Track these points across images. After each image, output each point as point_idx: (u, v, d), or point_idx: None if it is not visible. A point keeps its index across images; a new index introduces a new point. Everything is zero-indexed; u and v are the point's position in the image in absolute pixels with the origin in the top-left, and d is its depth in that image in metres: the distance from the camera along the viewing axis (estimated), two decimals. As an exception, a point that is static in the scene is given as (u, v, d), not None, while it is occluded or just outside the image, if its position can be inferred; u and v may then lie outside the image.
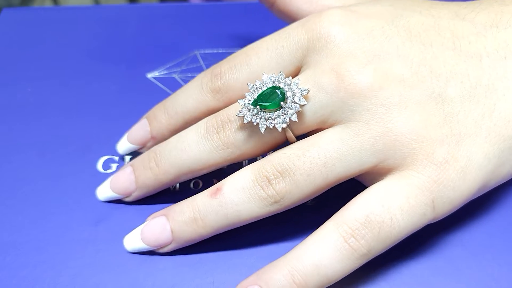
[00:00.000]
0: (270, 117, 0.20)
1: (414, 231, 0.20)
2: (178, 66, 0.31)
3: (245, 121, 0.20)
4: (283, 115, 0.20)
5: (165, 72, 0.31)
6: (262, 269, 0.20)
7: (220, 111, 0.22)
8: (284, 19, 0.27)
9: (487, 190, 0.21)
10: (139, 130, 0.25)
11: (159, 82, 0.30)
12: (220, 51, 0.32)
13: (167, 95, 0.29)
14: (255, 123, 0.20)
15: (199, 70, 0.31)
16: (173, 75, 0.31)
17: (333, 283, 0.19)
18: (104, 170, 0.26)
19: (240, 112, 0.20)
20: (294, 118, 0.20)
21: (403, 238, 0.20)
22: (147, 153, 0.23)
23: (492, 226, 0.23)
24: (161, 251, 0.22)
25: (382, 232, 0.19)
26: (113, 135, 0.26)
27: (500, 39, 0.21)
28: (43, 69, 0.31)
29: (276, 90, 0.20)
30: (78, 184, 0.25)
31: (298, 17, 0.26)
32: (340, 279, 0.19)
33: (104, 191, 0.24)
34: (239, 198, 0.20)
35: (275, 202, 0.20)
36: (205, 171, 0.22)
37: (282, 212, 0.21)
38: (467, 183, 0.20)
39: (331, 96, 0.20)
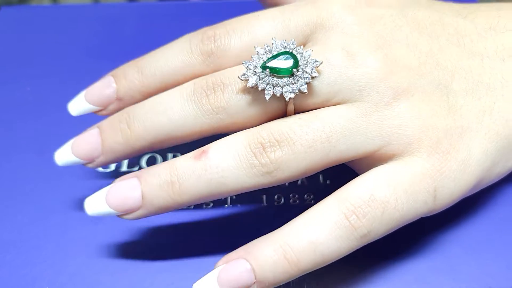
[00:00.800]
0: (278, 83, 0.18)
1: (413, 220, 0.19)
2: (177, 65, 0.31)
3: (250, 85, 0.18)
4: (292, 84, 0.18)
5: (164, 70, 0.31)
6: (252, 242, 0.19)
7: (213, 73, 0.20)
8: None
9: (479, 189, 0.22)
10: (102, 88, 0.22)
11: (158, 80, 0.30)
12: (219, 50, 0.32)
13: (166, 93, 0.29)
14: (260, 88, 0.18)
15: (198, 68, 0.31)
16: (172, 74, 0.31)
17: (327, 263, 0.18)
18: (103, 169, 0.26)
19: (244, 75, 0.19)
20: (304, 89, 0.18)
21: (402, 225, 0.19)
22: (118, 114, 0.21)
23: (488, 224, 0.23)
24: (126, 217, 0.20)
25: (385, 213, 0.18)
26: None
27: (498, 42, 0.22)
28: (42, 68, 0.31)
29: (290, 56, 0.19)
30: (77, 183, 0.25)
31: None
32: (334, 260, 0.18)
33: (64, 155, 0.21)
34: (227, 163, 0.18)
35: (267, 172, 0.18)
36: (185, 140, 0.20)
37: (284, 211, 0.21)
38: (466, 176, 0.20)
39: (340, 74, 0.19)
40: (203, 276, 0.18)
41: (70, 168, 0.25)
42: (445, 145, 0.19)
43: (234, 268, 0.18)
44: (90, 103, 0.22)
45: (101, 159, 0.21)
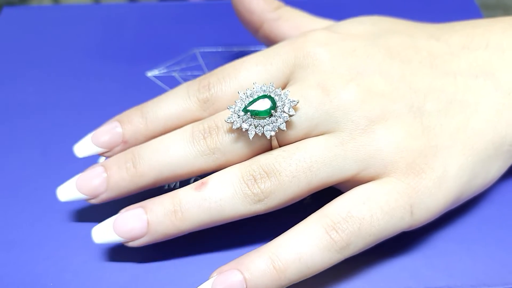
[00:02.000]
0: (259, 124, 0.20)
1: (393, 235, 0.21)
2: (178, 65, 0.32)
3: (235, 127, 0.20)
4: (272, 123, 0.20)
5: (165, 70, 0.31)
6: (243, 255, 0.20)
7: (208, 118, 0.22)
8: (269, 45, 0.27)
9: (461, 202, 0.23)
10: (109, 132, 0.23)
11: (159, 80, 0.31)
12: (219, 50, 0.33)
13: (167, 93, 0.30)
14: (244, 129, 0.20)
15: (199, 68, 0.32)
16: (173, 74, 0.31)
17: (312, 274, 0.20)
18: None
19: (229, 118, 0.21)
20: (283, 126, 0.20)
21: (382, 239, 0.21)
22: (122, 154, 0.22)
23: (483, 221, 0.24)
24: (132, 244, 0.21)
25: (362, 228, 0.20)
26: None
27: (472, 59, 0.23)
28: (44, 68, 0.31)
29: (267, 98, 0.21)
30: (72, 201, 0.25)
31: None
32: (319, 271, 0.20)
33: (68, 191, 0.22)
34: (224, 193, 0.20)
35: (259, 200, 0.20)
36: (186, 177, 0.22)
37: (283, 214, 0.21)
38: (443, 192, 0.21)
39: (316, 109, 0.21)
40: (198, 285, 0.20)
41: (72, 168, 0.26)
42: (419, 165, 0.21)
43: (227, 278, 0.19)
44: (96, 146, 0.23)
45: (105, 196, 0.22)
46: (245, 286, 0.19)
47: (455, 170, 0.21)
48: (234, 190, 0.20)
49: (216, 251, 0.23)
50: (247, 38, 0.33)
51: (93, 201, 0.22)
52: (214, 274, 0.20)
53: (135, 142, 0.23)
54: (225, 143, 0.21)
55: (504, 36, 0.23)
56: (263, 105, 0.20)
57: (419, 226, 0.21)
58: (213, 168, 0.21)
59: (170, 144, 0.21)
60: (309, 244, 0.19)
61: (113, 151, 0.23)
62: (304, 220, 0.20)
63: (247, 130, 0.20)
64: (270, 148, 0.21)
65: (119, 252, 0.23)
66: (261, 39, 0.28)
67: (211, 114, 0.23)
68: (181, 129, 0.22)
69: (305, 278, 0.20)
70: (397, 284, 0.21)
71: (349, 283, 0.22)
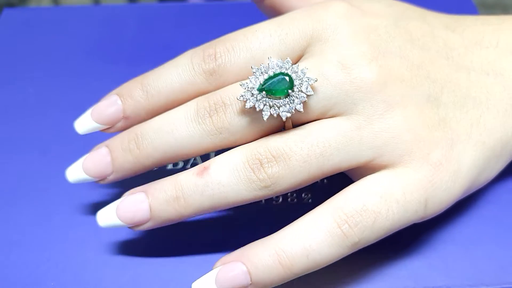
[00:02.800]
0: (275, 104, 0.19)
1: (404, 227, 0.20)
2: (178, 66, 0.32)
3: (248, 106, 0.19)
4: (289, 104, 0.19)
5: (165, 72, 0.31)
6: (248, 245, 0.19)
7: (213, 92, 0.21)
8: (272, 17, 0.26)
9: (466, 195, 0.23)
10: (109, 107, 0.22)
11: (159, 81, 0.31)
12: (219, 51, 0.33)
13: (167, 95, 0.30)
14: (258, 109, 0.19)
15: (198, 69, 0.32)
16: (173, 75, 0.31)
17: (318, 268, 0.19)
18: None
19: (242, 96, 0.19)
20: (300, 108, 0.19)
21: (392, 232, 0.20)
22: (126, 134, 0.22)
23: (481, 222, 0.24)
24: (136, 229, 0.21)
25: (376, 222, 0.19)
26: (115, 134, 0.27)
27: (483, 56, 0.23)
28: (44, 69, 0.31)
29: (285, 77, 0.19)
30: (80, 183, 0.25)
31: None
32: (326, 265, 0.19)
33: (76, 173, 0.22)
34: (227, 179, 0.19)
35: (265, 186, 0.19)
36: (191, 156, 0.21)
37: (283, 210, 0.21)
38: (457, 186, 0.21)
39: (335, 88, 0.19)
40: (202, 276, 0.19)
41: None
42: (437, 157, 0.20)
43: (231, 270, 0.19)
44: (97, 122, 0.22)
45: (112, 177, 0.22)
46: (249, 279, 0.19)
47: (468, 165, 0.21)
48: (238, 176, 0.19)
49: (216, 251, 0.23)
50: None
51: (102, 182, 0.22)
52: (218, 264, 0.19)
53: (137, 118, 0.22)
54: (234, 123, 0.20)
55: None
56: (280, 84, 0.19)
57: (430, 217, 0.21)
58: (220, 147, 0.21)
59: (174, 123, 0.20)
60: (318, 239, 0.18)
61: (115, 128, 0.22)
62: (314, 210, 0.19)
63: (261, 110, 0.19)
64: (282, 127, 0.20)
65: (120, 252, 0.23)
66: (266, 10, 0.26)
67: (218, 88, 0.21)
68: (185, 105, 0.21)
69: (311, 271, 0.19)
70: (396, 284, 0.22)
71: (348, 282, 0.22)
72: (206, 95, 0.21)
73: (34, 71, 0.31)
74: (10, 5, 0.71)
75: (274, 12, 0.26)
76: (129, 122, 0.22)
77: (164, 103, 0.22)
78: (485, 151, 0.21)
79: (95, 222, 0.24)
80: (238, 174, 0.19)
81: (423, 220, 0.21)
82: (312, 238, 0.19)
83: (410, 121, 0.20)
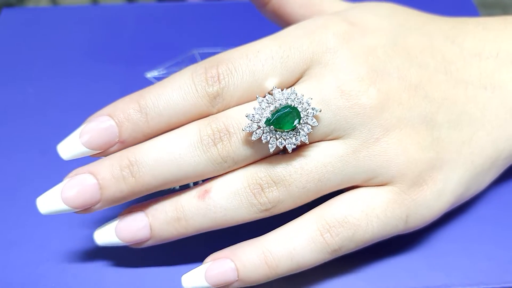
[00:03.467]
0: (281, 136, 0.19)
1: (384, 239, 0.21)
2: (177, 66, 0.32)
3: (254, 138, 0.19)
4: (295, 136, 0.19)
5: (164, 71, 0.32)
6: (237, 244, 0.20)
7: (215, 117, 0.20)
8: (275, 21, 0.27)
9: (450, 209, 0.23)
10: (103, 131, 0.20)
11: (159, 81, 0.31)
12: (218, 50, 0.33)
13: (166, 94, 0.30)
14: (264, 141, 0.19)
15: (198, 69, 0.32)
16: (172, 75, 0.31)
17: (301, 270, 0.20)
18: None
19: (249, 127, 0.19)
20: (305, 139, 0.19)
21: (373, 243, 0.21)
22: (115, 159, 0.20)
23: (480, 222, 0.24)
24: (135, 247, 0.21)
25: (356, 234, 0.20)
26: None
27: (482, 69, 0.23)
28: (43, 69, 0.31)
29: (292, 111, 0.19)
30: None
31: (292, 21, 0.25)
32: (308, 268, 0.20)
33: (51, 204, 0.20)
34: (229, 203, 0.20)
35: (266, 209, 0.20)
36: (191, 181, 0.20)
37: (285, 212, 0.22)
38: (440, 204, 0.21)
39: (335, 115, 0.20)
40: (194, 268, 0.20)
41: (72, 168, 0.26)
42: (423, 177, 0.21)
43: (220, 266, 0.20)
44: (87, 147, 0.20)
45: (98, 207, 0.20)
46: (236, 276, 0.20)
47: (454, 184, 0.21)
48: (240, 200, 0.20)
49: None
50: (246, 39, 0.33)
51: (84, 213, 0.20)
52: (208, 260, 0.20)
53: (134, 142, 0.20)
54: (238, 152, 0.20)
55: None
56: (288, 118, 0.19)
57: (412, 231, 0.22)
58: (221, 173, 0.20)
59: (176, 151, 0.19)
60: (302, 245, 0.20)
61: (106, 152, 0.20)
62: (301, 217, 0.20)
63: (267, 142, 0.19)
64: (281, 152, 0.20)
65: (121, 253, 0.23)
66: (268, 15, 0.26)
67: (219, 110, 0.20)
68: (187, 132, 0.20)
69: (294, 273, 0.20)
70: (397, 284, 0.22)
71: (348, 282, 0.22)
72: (208, 120, 0.20)
73: (34, 71, 0.31)
74: (9, 5, 0.71)
75: (275, 17, 0.26)
76: (124, 146, 0.20)
77: (165, 126, 0.20)
78: (473, 169, 0.22)
79: (95, 222, 0.24)
80: (239, 198, 0.20)
81: (404, 233, 0.22)
82: (296, 243, 0.20)
83: (405, 144, 0.20)
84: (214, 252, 0.21)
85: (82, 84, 0.31)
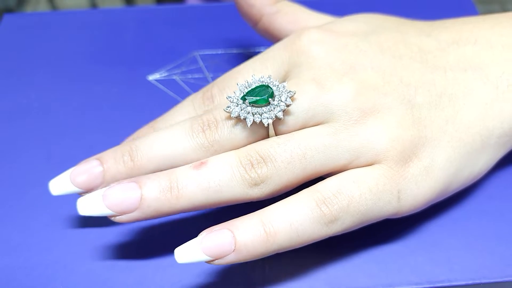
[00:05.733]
0: (257, 112, 0.21)
1: (380, 219, 0.21)
2: (178, 68, 0.32)
3: (233, 115, 0.21)
4: (270, 111, 0.21)
5: (166, 74, 0.32)
6: (234, 218, 0.20)
7: (206, 112, 0.23)
8: (267, 38, 0.28)
9: (450, 194, 0.23)
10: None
11: (161, 84, 0.31)
12: (219, 52, 0.33)
13: (168, 97, 0.30)
14: (242, 117, 0.21)
15: (199, 71, 0.32)
16: (174, 77, 0.32)
17: (301, 245, 0.20)
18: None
19: (228, 107, 0.21)
20: (280, 115, 0.21)
21: (371, 221, 0.21)
22: (119, 148, 0.22)
23: (483, 217, 0.24)
24: (119, 219, 0.20)
25: (351, 205, 0.20)
26: (117, 137, 0.27)
27: (460, 54, 0.23)
28: (46, 74, 0.32)
29: (266, 88, 0.21)
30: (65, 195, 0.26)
31: (281, 36, 0.27)
32: (307, 243, 0.20)
33: (61, 184, 0.22)
34: (222, 173, 0.20)
35: (256, 184, 0.20)
36: (182, 165, 0.21)
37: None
38: (430, 181, 0.21)
39: (312, 101, 0.21)
40: (189, 241, 0.20)
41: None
42: (408, 154, 0.21)
43: (216, 236, 0.19)
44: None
45: (100, 188, 0.21)
46: (233, 245, 0.19)
47: (442, 161, 0.22)
48: (232, 172, 0.20)
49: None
50: (247, 40, 0.34)
51: (86, 193, 0.21)
52: (204, 233, 0.20)
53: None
54: (223, 135, 0.22)
55: (492, 32, 0.24)
56: (261, 93, 0.21)
57: (406, 214, 0.22)
58: (210, 156, 0.22)
59: (169, 137, 0.22)
60: (300, 213, 0.20)
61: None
62: (296, 194, 0.21)
63: (245, 118, 0.21)
64: (266, 137, 0.22)
65: (127, 253, 0.23)
66: (260, 31, 0.28)
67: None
68: (180, 124, 0.22)
69: (294, 247, 0.20)
70: (399, 279, 0.22)
71: (352, 278, 0.22)
72: (200, 115, 0.22)
73: (36, 75, 0.32)
74: (8, 9, 0.71)
75: (267, 34, 0.28)
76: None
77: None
78: (461, 147, 0.22)
79: (102, 224, 0.24)
80: (232, 170, 0.20)
81: (400, 215, 0.22)
82: (295, 212, 0.20)
83: (384, 123, 0.21)
84: None
85: (85, 88, 0.31)
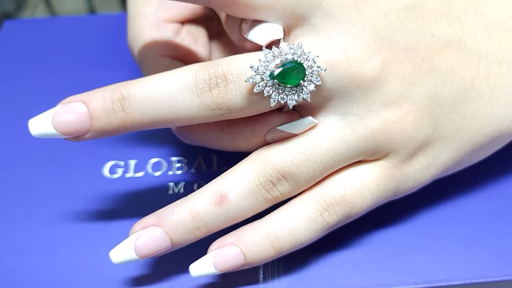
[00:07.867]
0: (284, 91, 0.19)
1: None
2: (178, 73, 0.32)
3: (256, 91, 0.18)
4: (298, 93, 0.19)
5: (165, 78, 0.32)
6: (241, 228, 0.21)
7: (213, 62, 0.19)
8: None
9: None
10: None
11: (160, 88, 0.31)
12: (218, 57, 0.33)
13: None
14: (266, 94, 0.19)
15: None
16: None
17: (301, 247, 0.21)
18: (111, 175, 0.27)
19: (252, 79, 0.18)
20: (308, 97, 0.19)
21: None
22: (108, 92, 0.19)
23: (480, 217, 0.24)
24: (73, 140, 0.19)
25: (352, 211, 0.21)
26: (118, 140, 0.27)
27: (502, 41, 0.21)
28: (46, 79, 0.32)
29: (298, 67, 0.18)
30: (89, 188, 0.26)
31: None
32: (305, 245, 0.21)
33: (42, 126, 0.19)
34: (247, 204, 0.20)
35: (278, 200, 0.21)
36: (181, 125, 0.20)
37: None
38: (426, 176, 0.22)
39: (337, 81, 0.19)
40: (201, 257, 0.21)
41: (78, 174, 0.26)
42: (415, 151, 0.21)
43: (227, 252, 0.21)
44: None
45: (88, 137, 0.19)
46: (244, 260, 0.20)
47: (445, 159, 0.22)
48: (256, 199, 0.20)
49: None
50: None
51: (73, 140, 0.20)
52: (214, 247, 0.21)
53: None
54: (234, 101, 0.19)
55: None
56: (293, 73, 0.18)
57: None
58: (214, 120, 0.20)
59: (170, 91, 0.19)
60: (303, 225, 0.20)
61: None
62: (298, 198, 0.21)
63: (269, 95, 0.19)
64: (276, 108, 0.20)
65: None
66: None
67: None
68: (183, 73, 0.19)
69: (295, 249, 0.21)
70: (397, 279, 0.22)
71: (350, 278, 0.22)
72: (206, 64, 0.19)
73: (37, 80, 0.32)
74: (6, 13, 0.71)
75: None
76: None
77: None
78: (469, 146, 0.22)
79: (105, 225, 0.24)
80: (255, 197, 0.20)
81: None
82: (297, 224, 0.21)
83: (403, 122, 0.20)
84: (217, 238, 0.21)
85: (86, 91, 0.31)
